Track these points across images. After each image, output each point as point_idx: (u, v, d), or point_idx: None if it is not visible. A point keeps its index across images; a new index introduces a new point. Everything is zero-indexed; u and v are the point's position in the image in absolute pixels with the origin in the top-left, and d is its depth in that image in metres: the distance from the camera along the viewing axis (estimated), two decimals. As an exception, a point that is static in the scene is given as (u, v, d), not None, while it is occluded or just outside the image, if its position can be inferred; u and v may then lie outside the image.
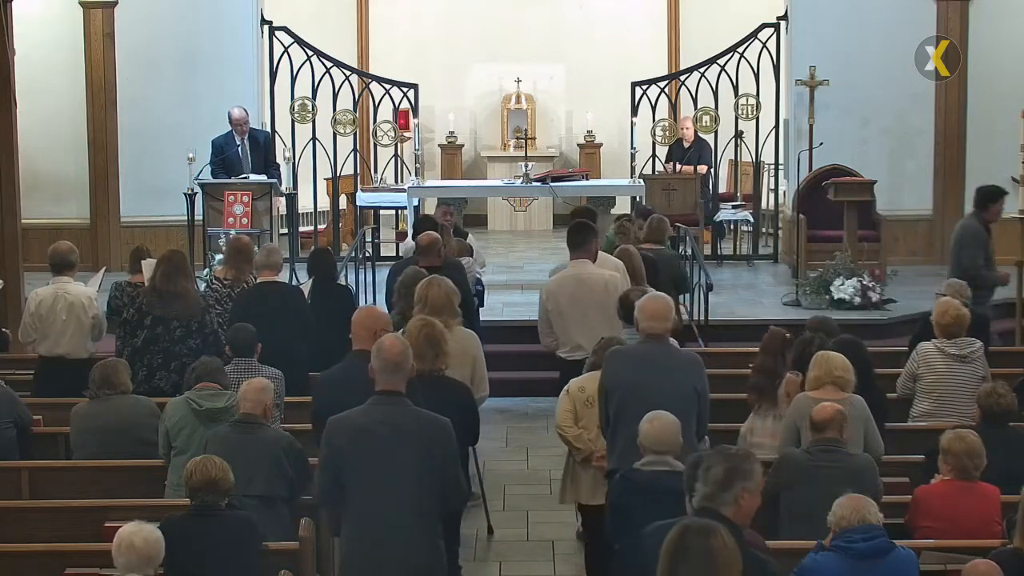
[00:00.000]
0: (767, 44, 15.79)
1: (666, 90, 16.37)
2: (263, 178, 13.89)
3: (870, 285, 13.12)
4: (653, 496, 5.84)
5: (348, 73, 16.31)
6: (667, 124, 16.17)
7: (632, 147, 16.07)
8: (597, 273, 9.16)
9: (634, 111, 16.11)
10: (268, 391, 7.24)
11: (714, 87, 15.94)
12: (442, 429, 5.97)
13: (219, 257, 12.19)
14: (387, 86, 16.30)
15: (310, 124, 15.81)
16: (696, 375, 7.28)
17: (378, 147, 16.53)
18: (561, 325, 9.14)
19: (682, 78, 16.52)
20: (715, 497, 5.06)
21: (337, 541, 6.26)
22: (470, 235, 12.65)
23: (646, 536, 5.23)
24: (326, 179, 16.34)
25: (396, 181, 16.30)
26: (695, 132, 16.25)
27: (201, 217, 13.90)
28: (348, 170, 16.49)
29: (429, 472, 5.89)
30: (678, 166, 16.23)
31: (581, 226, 9.42)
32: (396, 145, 16.45)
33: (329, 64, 16.10)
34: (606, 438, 7.38)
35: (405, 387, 6.02)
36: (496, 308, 12.97)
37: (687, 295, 12.21)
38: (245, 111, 14.26)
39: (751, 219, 16.21)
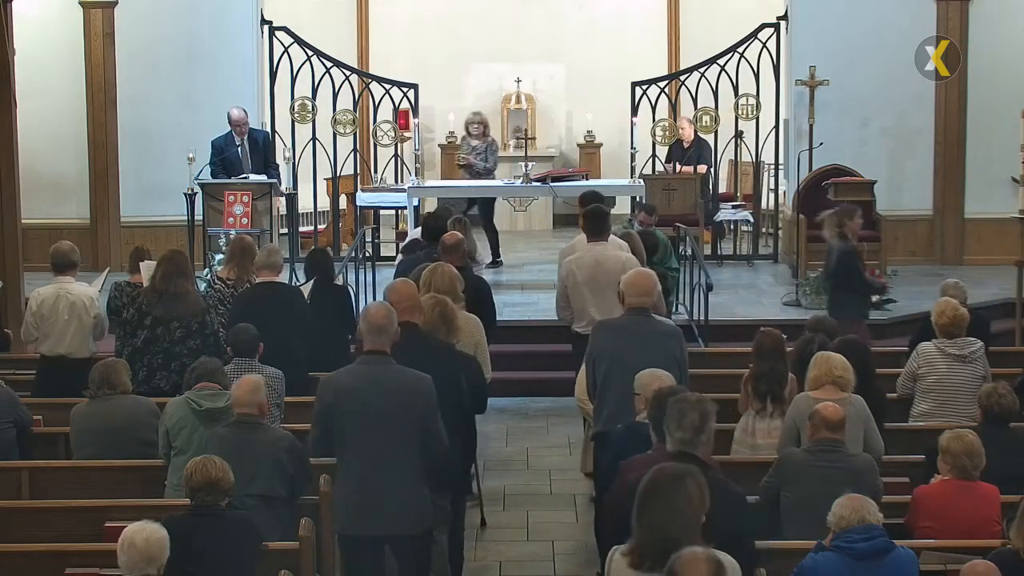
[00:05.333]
0: (767, 44, 15.77)
1: (666, 90, 16.36)
2: (263, 178, 13.88)
3: (870, 285, 13.10)
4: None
5: (348, 73, 16.30)
6: (667, 124, 16.15)
7: (632, 147, 16.05)
8: (615, 254, 9.54)
9: (634, 111, 16.10)
10: (259, 390, 7.20)
11: (714, 87, 15.93)
12: (422, 383, 6.51)
13: (219, 257, 12.19)
14: (387, 86, 16.28)
15: (310, 124, 15.79)
16: (676, 345, 7.74)
17: (378, 147, 16.51)
18: (579, 301, 9.46)
19: (682, 78, 16.49)
20: (691, 442, 5.61)
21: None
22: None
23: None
24: (326, 179, 16.32)
25: (396, 181, 16.28)
26: (695, 132, 16.23)
27: (201, 217, 13.89)
28: (348, 170, 16.48)
29: (409, 423, 6.45)
30: (678, 166, 16.23)
31: (600, 213, 9.91)
32: (396, 145, 16.43)
33: (329, 64, 16.08)
34: (593, 404, 7.79)
35: (390, 348, 6.55)
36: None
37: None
38: (244, 111, 14.25)
39: (751, 219, 16.21)
